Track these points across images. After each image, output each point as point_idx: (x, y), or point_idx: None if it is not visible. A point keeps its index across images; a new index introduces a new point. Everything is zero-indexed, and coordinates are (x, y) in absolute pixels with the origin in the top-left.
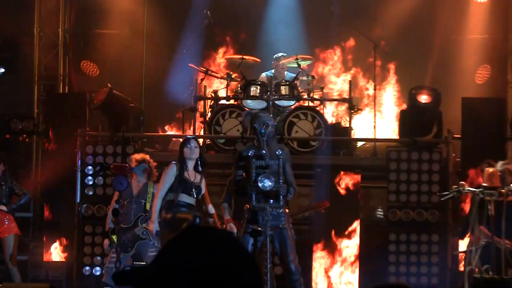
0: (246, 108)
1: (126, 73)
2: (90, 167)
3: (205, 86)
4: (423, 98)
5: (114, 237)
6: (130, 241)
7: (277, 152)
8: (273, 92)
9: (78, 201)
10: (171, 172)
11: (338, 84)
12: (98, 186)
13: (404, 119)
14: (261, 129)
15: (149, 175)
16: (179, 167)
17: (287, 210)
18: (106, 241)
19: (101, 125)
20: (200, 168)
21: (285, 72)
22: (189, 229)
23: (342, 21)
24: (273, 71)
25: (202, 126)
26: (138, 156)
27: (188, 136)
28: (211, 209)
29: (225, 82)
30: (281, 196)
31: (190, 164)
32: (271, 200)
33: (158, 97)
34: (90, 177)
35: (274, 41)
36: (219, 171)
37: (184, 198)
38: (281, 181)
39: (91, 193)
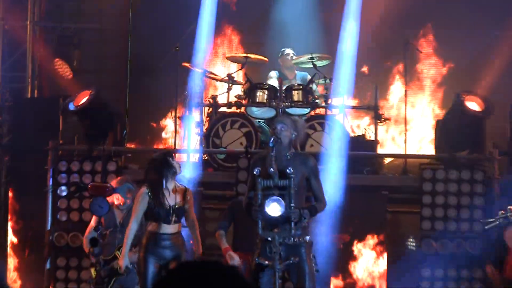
0: (250, 117)
1: (107, 75)
2: (63, 188)
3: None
4: (473, 106)
5: (93, 271)
6: (106, 276)
7: (288, 170)
8: (284, 98)
9: (49, 228)
10: (142, 200)
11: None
12: (73, 211)
13: (442, 130)
14: (269, 141)
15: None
16: (152, 191)
17: (308, 238)
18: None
19: (77, 137)
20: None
21: (295, 71)
22: (181, 266)
23: None
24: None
25: (198, 138)
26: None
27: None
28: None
29: (226, 85)
30: (293, 224)
31: (171, 184)
32: (289, 228)
33: (145, 104)
34: (63, 200)
35: (284, 37)
36: (218, 192)
37: (164, 228)
38: (292, 205)
39: (64, 218)
